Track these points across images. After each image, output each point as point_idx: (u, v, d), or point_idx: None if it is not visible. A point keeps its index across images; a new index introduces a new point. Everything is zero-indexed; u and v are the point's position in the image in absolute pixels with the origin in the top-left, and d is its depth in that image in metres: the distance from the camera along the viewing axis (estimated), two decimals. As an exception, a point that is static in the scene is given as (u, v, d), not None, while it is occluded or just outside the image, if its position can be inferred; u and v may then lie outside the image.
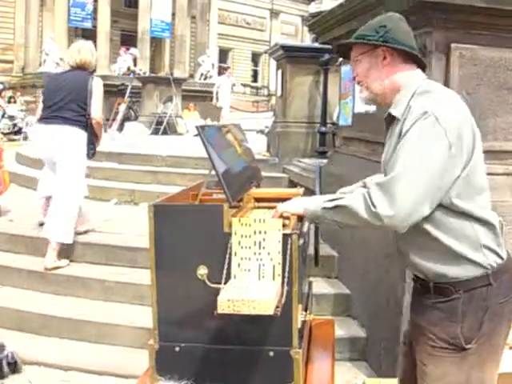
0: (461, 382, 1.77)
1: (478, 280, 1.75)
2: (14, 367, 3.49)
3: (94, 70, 4.91)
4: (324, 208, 1.77)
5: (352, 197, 1.76)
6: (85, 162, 4.68)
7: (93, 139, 4.63)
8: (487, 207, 1.80)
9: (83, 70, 4.67)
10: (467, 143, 1.71)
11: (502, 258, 1.78)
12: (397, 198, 1.64)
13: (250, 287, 1.61)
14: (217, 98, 17.05)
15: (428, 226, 1.74)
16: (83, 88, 4.53)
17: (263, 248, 1.70)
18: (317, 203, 1.81)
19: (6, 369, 3.44)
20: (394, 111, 1.83)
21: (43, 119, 4.62)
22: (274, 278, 1.67)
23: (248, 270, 1.69)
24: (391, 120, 1.87)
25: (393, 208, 1.65)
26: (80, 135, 4.53)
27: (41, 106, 4.75)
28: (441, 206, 1.72)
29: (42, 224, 4.81)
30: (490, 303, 1.74)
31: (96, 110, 4.57)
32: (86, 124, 4.53)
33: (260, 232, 1.70)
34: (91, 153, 4.66)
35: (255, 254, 1.70)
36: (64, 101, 4.51)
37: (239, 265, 1.69)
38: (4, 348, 3.51)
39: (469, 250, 1.74)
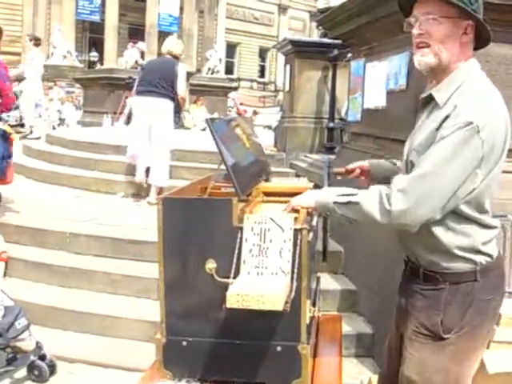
0: (439, 371, 1.77)
1: (465, 274, 1.75)
2: (52, 371, 3.33)
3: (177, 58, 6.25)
4: (336, 202, 1.75)
5: (366, 193, 1.74)
6: (172, 123, 6.10)
7: (178, 109, 6.16)
8: (490, 211, 1.78)
9: (172, 57, 6.08)
10: (496, 154, 1.70)
11: (491, 256, 1.78)
12: (413, 194, 1.64)
13: (260, 282, 1.60)
14: None
15: (430, 224, 1.72)
16: (170, 70, 5.91)
17: (270, 242, 1.68)
18: (328, 196, 1.78)
19: (47, 372, 3.24)
20: (437, 95, 1.75)
21: (139, 92, 6.01)
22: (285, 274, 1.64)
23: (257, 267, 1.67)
24: (429, 100, 1.81)
25: (406, 203, 1.64)
26: (169, 104, 5.93)
27: (136, 83, 6.19)
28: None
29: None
30: (474, 298, 1.75)
31: (181, 88, 5.98)
32: (173, 97, 5.93)
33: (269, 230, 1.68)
34: (176, 120, 6.24)
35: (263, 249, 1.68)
36: (155, 79, 5.86)
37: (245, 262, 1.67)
38: (41, 349, 3.28)
39: (464, 249, 1.74)
